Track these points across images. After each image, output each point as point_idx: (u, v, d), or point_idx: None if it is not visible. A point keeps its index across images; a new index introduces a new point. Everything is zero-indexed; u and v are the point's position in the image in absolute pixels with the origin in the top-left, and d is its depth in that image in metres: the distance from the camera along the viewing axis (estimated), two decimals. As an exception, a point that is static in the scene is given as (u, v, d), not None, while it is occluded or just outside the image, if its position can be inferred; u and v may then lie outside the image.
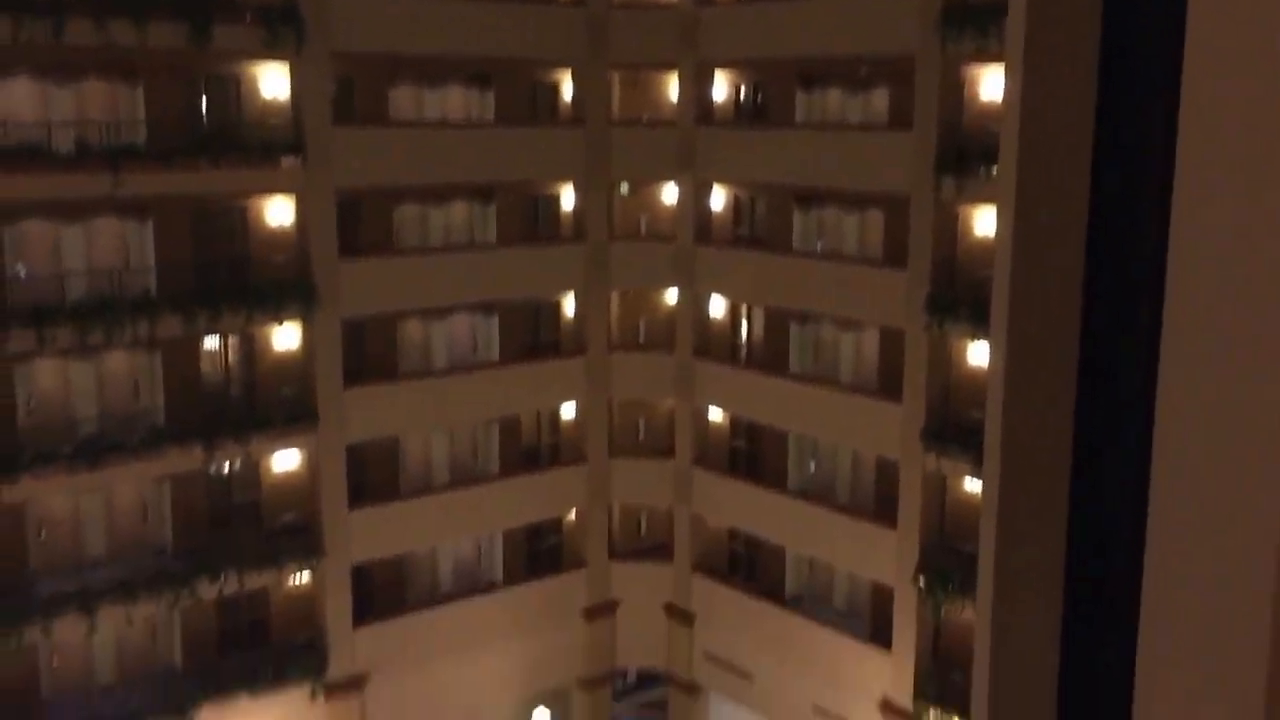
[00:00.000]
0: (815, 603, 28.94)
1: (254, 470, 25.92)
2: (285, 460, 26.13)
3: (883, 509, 26.11)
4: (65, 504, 24.13)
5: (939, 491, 25.05)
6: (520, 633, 29.42)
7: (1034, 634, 1.96)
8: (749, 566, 30.16)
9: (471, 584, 29.64)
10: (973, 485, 24.24)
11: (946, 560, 24.72)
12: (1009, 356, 1.92)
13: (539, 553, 30.64)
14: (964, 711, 23.56)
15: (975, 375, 24.22)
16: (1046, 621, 1.95)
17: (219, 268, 24.94)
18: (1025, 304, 1.92)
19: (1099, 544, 1.87)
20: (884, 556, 25.55)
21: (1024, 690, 1.97)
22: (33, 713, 23.71)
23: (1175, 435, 1.61)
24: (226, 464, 25.30)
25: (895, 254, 25.52)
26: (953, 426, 24.09)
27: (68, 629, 23.14)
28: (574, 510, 30.58)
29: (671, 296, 30.32)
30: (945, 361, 24.61)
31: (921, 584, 24.69)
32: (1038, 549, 1.93)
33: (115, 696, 24.63)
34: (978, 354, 24.39)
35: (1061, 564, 1.93)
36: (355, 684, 26.80)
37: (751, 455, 29.61)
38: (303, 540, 26.02)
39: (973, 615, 20.52)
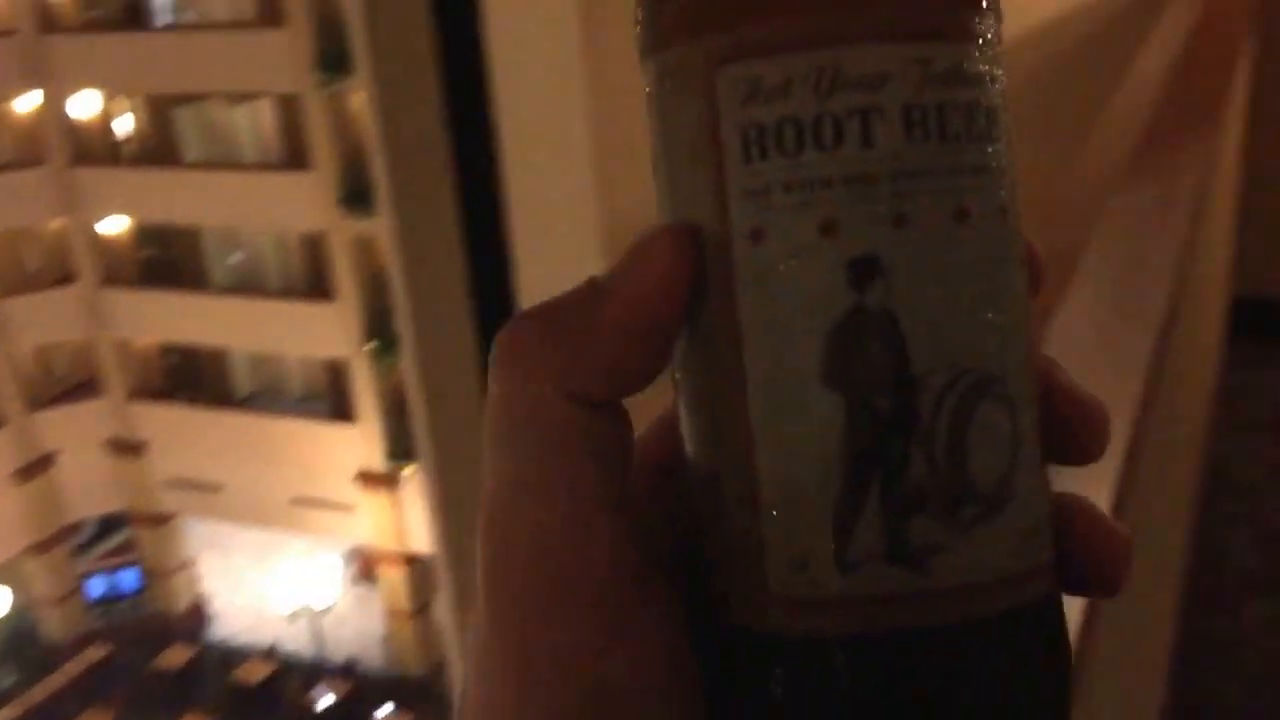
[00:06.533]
0: (271, 398, 27.91)
1: None
2: None
3: (316, 287, 25.25)
4: None
5: (369, 255, 24.55)
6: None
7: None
8: (192, 378, 28.28)
9: None
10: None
11: (389, 322, 24.61)
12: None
13: (-60, 422, 26.72)
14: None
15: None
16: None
17: None
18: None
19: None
20: (329, 333, 24.90)
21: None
22: None
23: None
24: None
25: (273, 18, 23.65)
26: (367, 188, 23.42)
27: None
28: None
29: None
30: (350, 121, 23.62)
31: (371, 348, 24.46)
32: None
33: None
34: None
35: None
36: None
37: (166, 262, 27.22)
38: None
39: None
